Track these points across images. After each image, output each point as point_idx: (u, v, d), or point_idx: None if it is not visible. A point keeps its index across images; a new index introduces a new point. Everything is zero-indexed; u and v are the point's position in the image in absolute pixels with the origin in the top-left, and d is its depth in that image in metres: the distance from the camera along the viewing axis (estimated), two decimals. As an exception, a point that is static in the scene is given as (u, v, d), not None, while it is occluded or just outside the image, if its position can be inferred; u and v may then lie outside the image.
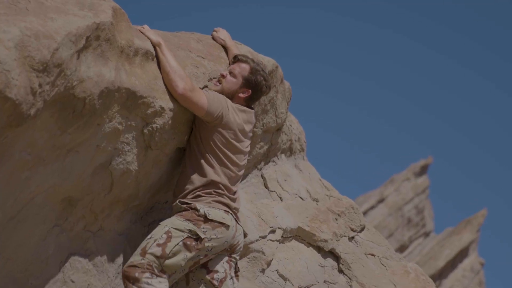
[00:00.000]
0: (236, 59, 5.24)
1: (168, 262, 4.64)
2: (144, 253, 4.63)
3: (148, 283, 4.55)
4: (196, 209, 4.78)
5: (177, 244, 4.66)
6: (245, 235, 5.19)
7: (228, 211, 4.91)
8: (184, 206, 4.82)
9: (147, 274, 4.57)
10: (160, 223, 4.79)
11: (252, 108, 5.27)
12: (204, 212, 4.77)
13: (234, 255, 5.05)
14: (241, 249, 5.14)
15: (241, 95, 5.12)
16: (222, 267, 4.97)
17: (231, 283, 5.01)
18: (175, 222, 4.75)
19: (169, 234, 4.68)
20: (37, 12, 3.81)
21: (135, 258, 4.64)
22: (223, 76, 5.13)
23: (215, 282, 4.92)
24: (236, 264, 5.10)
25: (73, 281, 4.66)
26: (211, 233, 4.76)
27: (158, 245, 4.64)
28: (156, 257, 4.61)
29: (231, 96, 5.10)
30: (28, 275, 4.39)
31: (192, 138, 5.04)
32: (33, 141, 3.85)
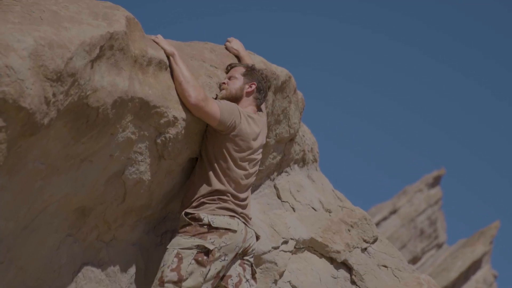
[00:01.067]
0: (228, 68, 5.34)
1: (186, 284, 4.62)
2: (162, 283, 4.62)
3: None
4: (199, 219, 4.76)
5: (190, 263, 4.65)
6: (257, 238, 5.15)
7: (234, 216, 4.89)
8: (188, 218, 4.79)
9: None
10: (168, 247, 4.76)
11: (261, 110, 5.30)
12: (208, 221, 4.76)
13: (246, 258, 5.02)
14: (254, 251, 5.11)
15: (249, 89, 5.17)
16: (235, 270, 4.95)
17: (247, 286, 5.00)
18: (181, 242, 4.73)
19: (179, 256, 4.66)
20: (51, 21, 3.82)
21: (161, 279, 4.64)
22: (224, 83, 5.16)
23: (231, 287, 4.91)
24: (251, 266, 5.07)
25: None
26: (219, 242, 4.74)
27: (172, 270, 4.63)
28: (174, 282, 4.60)
29: (240, 96, 5.16)
30: (40, 284, 4.38)
31: (202, 147, 5.04)
32: (46, 150, 3.85)
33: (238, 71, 5.22)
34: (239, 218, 4.91)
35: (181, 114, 4.76)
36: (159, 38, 4.88)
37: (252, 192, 6.08)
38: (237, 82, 5.16)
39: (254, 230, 5.09)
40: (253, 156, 5.07)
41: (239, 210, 4.95)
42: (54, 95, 3.64)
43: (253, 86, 5.18)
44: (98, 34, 3.97)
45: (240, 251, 4.90)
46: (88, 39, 3.88)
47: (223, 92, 5.11)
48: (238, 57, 5.60)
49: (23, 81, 3.42)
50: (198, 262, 4.65)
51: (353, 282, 6.26)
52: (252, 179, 5.18)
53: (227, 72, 5.31)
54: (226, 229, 4.79)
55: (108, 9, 4.29)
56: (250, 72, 5.22)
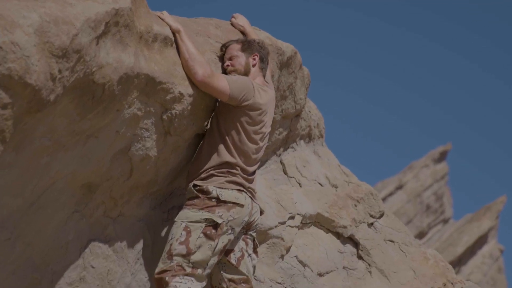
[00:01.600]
0: (223, 49, 5.29)
1: (195, 257, 4.64)
2: (170, 256, 4.64)
3: (176, 287, 4.58)
4: (208, 192, 4.77)
5: (198, 236, 4.66)
6: (261, 213, 5.18)
7: (242, 190, 4.90)
8: (196, 190, 4.81)
9: (177, 278, 4.59)
10: (176, 219, 4.77)
11: (267, 82, 5.31)
12: (217, 194, 4.77)
13: (250, 232, 5.06)
14: (257, 226, 5.14)
15: (253, 62, 5.16)
16: (238, 245, 4.98)
17: (249, 260, 5.03)
18: (189, 215, 4.74)
19: (187, 230, 4.68)
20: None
21: (165, 263, 4.66)
22: (228, 65, 5.15)
23: (233, 262, 4.94)
24: (254, 240, 5.10)
25: (93, 267, 4.68)
26: (227, 215, 4.75)
27: (181, 243, 4.64)
28: (183, 255, 4.62)
29: (248, 70, 5.15)
30: (48, 260, 4.42)
31: (214, 120, 5.04)
32: (52, 127, 3.86)
33: (236, 48, 5.20)
34: (246, 193, 4.93)
35: (187, 90, 4.76)
36: (165, 14, 4.86)
37: (259, 167, 6.07)
38: (240, 59, 5.14)
39: (259, 205, 5.11)
40: (263, 130, 5.09)
41: (247, 184, 4.96)
42: (59, 71, 3.63)
43: (256, 58, 5.18)
44: (103, 10, 3.95)
45: (244, 225, 4.93)
46: (93, 15, 3.86)
47: (233, 73, 5.09)
48: (243, 33, 5.58)
49: (28, 57, 3.42)
50: (207, 236, 4.67)
51: (359, 257, 6.28)
52: (261, 153, 5.20)
53: (223, 54, 5.28)
54: (234, 203, 4.81)
55: None
56: (248, 45, 5.21)
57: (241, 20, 5.69)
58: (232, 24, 5.66)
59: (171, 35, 4.74)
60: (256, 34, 5.62)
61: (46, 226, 4.30)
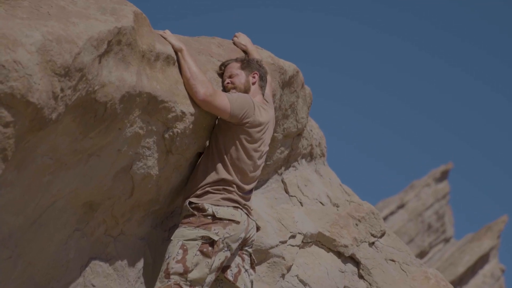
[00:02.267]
0: (222, 68, 5.30)
1: (192, 275, 4.62)
2: (168, 274, 4.62)
3: None
4: (203, 210, 4.76)
5: (195, 254, 4.65)
6: (258, 229, 5.16)
7: (237, 207, 4.89)
8: (192, 207, 4.80)
9: None
10: (172, 238, 4.76)
11: (267, 101, 5.30)
12: (212, 211, 4.76)
13: (246, 248, 5.03)
14: (253, 242, 5.12)
15: (253, 80, 5.17)
16: (235, 262, 4.96)
17: (246, 275, 5.01)
18: (185, 233, 4.73)
19: (184, 248, 4.66)
20: (59, 16, 3.81)
21: (162, 282, 4.64)
22: (228, 83, 5.14)
23: (230, 278, 4.92)
24: (250, 256, 5.09)
25: (93, 285, 4.66)
26: (223, 232, 4.74)
27: (178, 261, 4.63)
28: (180, 274, 4.61)
29: (248, 88, 5.16)
30: (49, 279, 4.40)
31: (213, 137, 5.03)
32: (55, 145, 3.85)
33: (235, 67, 5.20)
34: (242, 209, 4.91)
35: (189, 109, 4.76)
36: (167, 33, 4.88)
37: (260, 186, 6.09)
38: (240, 77, 5.15)
39: (255, 221, 5.10)
40: (262, 148, 5.08)
41: (243, 201, 4.95)
42: (62, 90, 3.62)
43: (256, 76, 5.19)
44: (106, 29, 3.96)
45: (240, 242, 4.91)
46: (96, 34, 3.87)
47: (233, 91, 5.08)
48: (245, 52, 5.59)
49: (31, 76, 3.41)
50: (203, 253, 4.65)
51: (360, 276, 6.26)
52: (258, 172, 5.18)
53: (222, 73, 5.28)
54: (230, 220, 4.79)
55: (116, 4, 4.29)
56: (247, 63, 5.22)
57: (243, 39, 5.70)
58: (234, 43, 5.67)
59: (173, 54, 4.74)
60: (258, 53, 5.62)
61: (47, 244, 4.28)
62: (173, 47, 4.79)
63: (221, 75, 5.27)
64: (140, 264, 5.02)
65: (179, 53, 4.82)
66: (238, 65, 5.20)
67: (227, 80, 5.15)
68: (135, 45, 4.27)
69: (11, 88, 3.34)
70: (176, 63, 4.78)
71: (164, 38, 4.77)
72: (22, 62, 3.39)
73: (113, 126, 4.21)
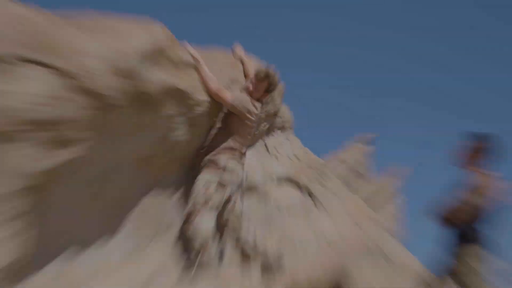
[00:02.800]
0: (255, 76, 5.09)
1: (212, 202, 4.60)
2: (195, 201, 4.59)
3: (200, 221, 4.55)
4: (217, 163, 4.72)
5: (214, 189, 4.64)
6: (247, 177, 5.24)
7: (238, 162, 4.85)
8: (210, 160, 4.75)
9: (201, 216, 4.55)
10: (199, 177, 4.71)
11: (261, 102, 5.19)
12: (223, 165, 4.72)
13: (240, 189, 5.05)
14: (243, 186, 5.14)
15: (256, 91, 5.01)
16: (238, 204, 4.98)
17: (241, 204, 5.06)
18: (207, 176, 4.69)
19: (206, 186, 4.64)
20: (114, 35, 3.75)
21: (193, 205, 4.59)
22: (248, 87, 5.01)
23: (232, 203, 4.93)
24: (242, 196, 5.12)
25: (148, 206, 4.62)
26: (229, 177, 4.72)
27: (203, 193, 4.61)
28: (205, 202, 4.58)
29: (253, 91, 4.98)
30: (124, 198, 4.35)
31: (227, 120, 4.94)
32: (122, 120, 3.81)
33: (262, 87, 5.00)
34: (240, 162, 4.88)
35: (204, 97, 4.70)
36: (188, 46, 4.75)
37: (251, 148, 6.08)
38: (258, 90, 4.99)
39: (246, 171, 5.18)
40: (251, 130, 5.02)
41: (242, 158, 4.92)
42: (122, 84, 3.58)
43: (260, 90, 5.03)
44: (149, 43, 3.91)
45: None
46: (145, 48, 3.83)
47: (243, 91, 4.99)
48: (241, 59, 5.50)
49: (101, 74, 3.38)
50: (218, 188, 4.64)
51: (314, 202, 6.29)
52: (250, 142, 5.22)
53: (250, 78, 5.13)
54: (232, 169, 4.77)
55: (153, 25, 4.25)
56: (269, 86, 5.03)
57: (239, 49, 5.58)
58: (232, 52, 5.55)
59: (192, 61, 4.66)
60: (250, 59, 5.53)
61: (122, 181, 4.25)
62: (192, 56, 4.69)
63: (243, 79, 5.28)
64: (178, 193, 4.95)
65: (197, 60, 4.73)
66: (262, 84, 5.01)
67: (249, 87, 5.01)
68: (169, 56, 4.21)
69: (87, 83, 3.23)
70: (195, 68, 4.70)
71: (187, 50, 4.67)
72: (95, 66, 3.36)
73: (156, 109, 4.16)
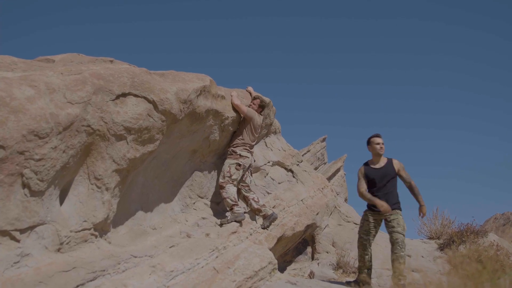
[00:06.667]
0: (254, 99, 5.04)
1: (233, 176, 4.48)
2: (224, 176, 4.48)
3: (228, 188, 4.43)
4: (236, 152, 4.61)
5: (235, 169, 4.51)
6: (254, 161, 4.99)
7: (248, 151, 4.70)
8: (231, 151, 4.65)
9: (228, 185, 4.43)
10: (225, 162, 4.58)
11: (261, 114, 5.09)
12: (239, 153, 4.62)
13: (250, 168, 4.82)
14: (252, 167, 4.88)
15: (255, 106, 4.93)
16: (248, 177, 4.77)
17: (249, 179, 4.79)
18: (229, 161, 4.56)
19: (229, 166, 4.51)
20: (180, 81, 3.77)
21: (223, 178, 4.47)
22: (251, 105, 4.95)
23: (247, 181, 4.72)
24: (251, 172, 4.86)
25: (195, 180, 4.56)
26: (243, 161, 4.60)
27: (227, 172, 4.48)
28: (229, 176, 4.46)
29: (256, 109, 4.90)
30: (178, 177, 4.30)
31: (241, 125, 4.82)
32: (181, 129, 3.79)
33: (256, 103, 4.94)
34: (249, 152, 4.77)
35: (231, 114, 4.62)
36: (224, 89, 4.67)
37: (256, 144, 6.09)
38: (255, 106, 4.92)
39: (253, 158, 4.93)
40: (257, 132, 4.91)
41: (251, 150, 4.79)
42: (183, 108, 3.60)
43: (257, 103, 4.96)
44: (200, 85, 3.89)
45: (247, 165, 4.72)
46: (196, 87, 3.81)
47: (251, 107, 4.91)
48: (251, 93, 5.54)
49: (172, 102, 3.41)
50: (237, 169, 4.54)
51: (294, 176, 6.19)
52: (256, 140, 5.02)
53: (254, 101, 4.97)
54: (245, 156, 4.66)
55: (202, 76, 4.18)
56: (260, 103, 4.96)
57: (250, 89, 5.58)
58: (247, 90, 5.65)
59: (224, 94, 4.55)
60: (257, 94, 5.39)
61: (179, 165, 4.20)
62: (231, 94, 4.67)
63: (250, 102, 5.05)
64: (214, 173, 4.86)
65: (232, 94, 4.66)
66: (258, 102, 4.94)
67: (252, 105, 4.91)
68: (210, 91, 4.17)
69: (164, 107, 3.36)
70: (226, 98, 4.59)
71: (220, 88, 4.60)
72: (169, 98, 3.39)
73: (202, 121, 4.12)
